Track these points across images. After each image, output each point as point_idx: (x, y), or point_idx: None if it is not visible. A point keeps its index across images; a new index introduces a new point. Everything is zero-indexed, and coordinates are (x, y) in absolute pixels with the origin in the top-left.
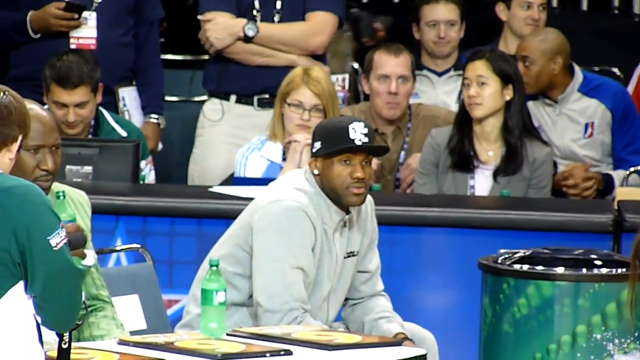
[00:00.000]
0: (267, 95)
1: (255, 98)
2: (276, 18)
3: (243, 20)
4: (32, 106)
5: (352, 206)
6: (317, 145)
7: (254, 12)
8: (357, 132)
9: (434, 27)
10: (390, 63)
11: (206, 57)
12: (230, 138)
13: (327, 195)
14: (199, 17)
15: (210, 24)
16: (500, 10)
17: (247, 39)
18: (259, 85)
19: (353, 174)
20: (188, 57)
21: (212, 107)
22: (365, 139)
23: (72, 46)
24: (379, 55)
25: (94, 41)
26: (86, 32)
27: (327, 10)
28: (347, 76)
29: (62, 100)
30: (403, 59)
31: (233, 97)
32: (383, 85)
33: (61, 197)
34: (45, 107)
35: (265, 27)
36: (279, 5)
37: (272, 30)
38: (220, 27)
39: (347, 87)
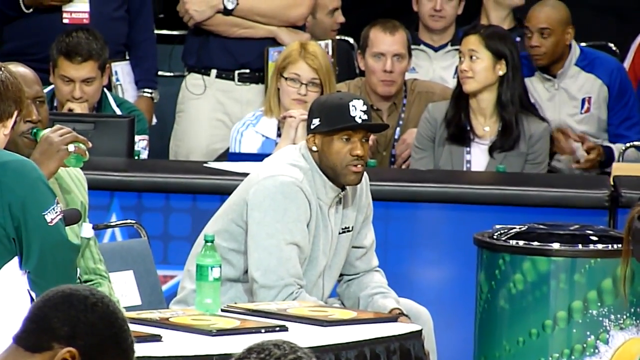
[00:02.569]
0: (247, 70)
1: (236, 73)
2: None
3: None
4: (13, 64)
5: (350, 185)
6: (316, 122)
7: None
8: (358, 110)
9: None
10: (386, 41)
11: (184, 32)
12: (212, 113)
13: (324, 172)
14: None
15: None
16: None
17: (226, 12)
18: (239, 60)
19: (353, 151)
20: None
21: (193, 82)
22: (365, 117)
23: (65, 21)
24: (374, 33)
25: (87, 15)
26: (79, 7)
27: None
28: (329, 42)
29: (68, 75)
30: (399, 37)
31: (214, 72)
32: (378, 63)
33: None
34: (51, 87)
35: None
36: None
37: (251, 3)
38: (199, 0)
39: (330, 52)
